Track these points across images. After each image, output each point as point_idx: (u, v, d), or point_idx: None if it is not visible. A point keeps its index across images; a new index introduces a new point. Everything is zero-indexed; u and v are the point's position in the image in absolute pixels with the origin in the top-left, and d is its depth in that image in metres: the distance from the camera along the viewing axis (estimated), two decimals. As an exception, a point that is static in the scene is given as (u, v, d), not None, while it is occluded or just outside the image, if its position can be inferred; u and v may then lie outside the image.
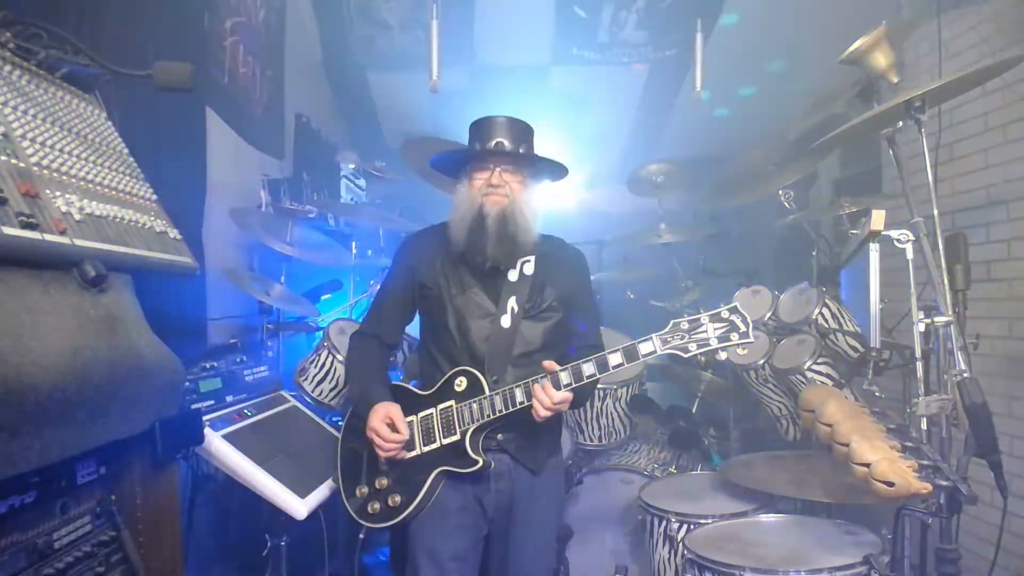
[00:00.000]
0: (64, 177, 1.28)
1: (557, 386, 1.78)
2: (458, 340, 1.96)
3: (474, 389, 1.90)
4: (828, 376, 2.59)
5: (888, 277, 2.00)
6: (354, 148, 4.31)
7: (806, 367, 2.58)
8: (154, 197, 1.53)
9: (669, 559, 2.31)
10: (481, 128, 1.97)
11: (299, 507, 1.97)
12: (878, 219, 1.85)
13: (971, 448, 1.70)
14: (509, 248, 1.93)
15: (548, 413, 1.78)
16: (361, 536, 2.27)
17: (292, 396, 2.52)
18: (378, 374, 2.06)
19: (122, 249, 1.29)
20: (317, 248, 3.14)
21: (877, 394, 2.06)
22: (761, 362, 2.77)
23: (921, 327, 1.82)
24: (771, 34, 4.06)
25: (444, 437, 1.90)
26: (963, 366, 1.74)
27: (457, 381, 1.93)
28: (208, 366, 2.18)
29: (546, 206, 2.01)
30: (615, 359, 1.77)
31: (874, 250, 1.93)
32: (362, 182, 4.15)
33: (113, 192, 1.40)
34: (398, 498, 1.91)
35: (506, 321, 1.95)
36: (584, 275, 2.11)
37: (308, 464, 2.15)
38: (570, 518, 2.82)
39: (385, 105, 5.04)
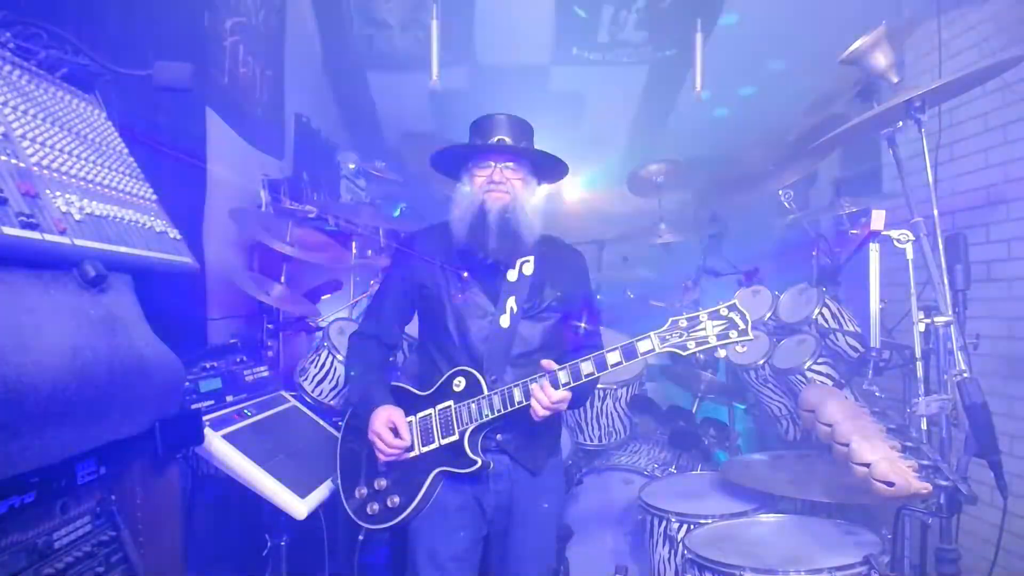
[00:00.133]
0: (64, 177, 1.28)
1: (555, 385, 1.78)
2: (457, 340, 1.96)
3: (472, 389, 1.90)
4: (828, 376, 2.59)
5: (888, 277, 2.01)
6: (354, 148, 4.32)
7: (806, 367, 2.58)
8: (154, 197, 1.53)
9: (669, 559, 2.30)
10: (482, 126, 1.97)
11: (299, 507, 1.96)
12: (878, 219, 1.85)
13: (971, 448, 1.70)
14: (511, 244, 1.92)
15: (546, 412, 1.78)
16: (361, 536, 2.27)
17: (292, 396, 2.52)
18: (378, 375, 2.05)
19: (122, 249, 1.29)
20: (317, 248, 3.14)
21: (877, 394, 2.06)
22: (761, 362, 2.77)
23: (921, 327, 1.83)
24: (771, 34, 4.05)
25: (443, 437, 1.90)
26: (963, 366, 1.74)
27: (455, 381, 1.93)
28: (208, 366, 2.18)
29: (546, 206, 2.01)
30: (613, 357, 1.77)
31: (874, 250, 1.94)
32: (362, 182, 4.15)
33: (113, 192, 1.40)
34: (397, 499, 1.91)
35: (505, 321, 1.95)
36: (583, 275, 2.11)
37: (308, 464, 2.15)
38: (570, 518, 2.81)
39: (385, 105, 5.04)
